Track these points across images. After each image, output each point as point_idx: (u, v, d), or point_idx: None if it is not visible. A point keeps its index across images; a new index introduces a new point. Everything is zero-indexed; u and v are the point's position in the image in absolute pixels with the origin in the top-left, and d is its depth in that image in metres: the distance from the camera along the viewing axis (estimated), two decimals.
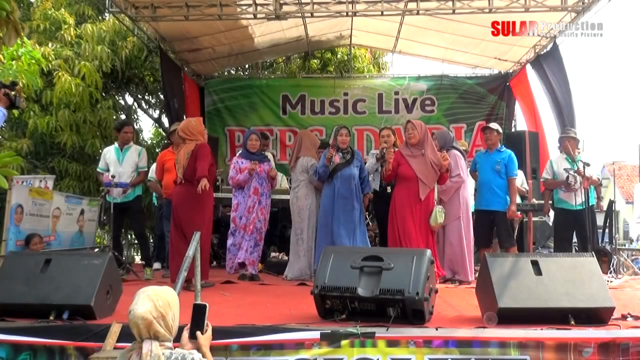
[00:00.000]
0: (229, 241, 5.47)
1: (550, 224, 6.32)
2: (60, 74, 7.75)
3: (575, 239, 6.27)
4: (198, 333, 2.15)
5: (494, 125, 5.91)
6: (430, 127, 9.31)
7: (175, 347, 2.04)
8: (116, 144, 6.22)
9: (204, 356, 2.15)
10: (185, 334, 2.15)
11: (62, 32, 8.44)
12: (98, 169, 6.31)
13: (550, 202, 6.34)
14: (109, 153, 6.17)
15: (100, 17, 9.44)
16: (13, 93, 3.61)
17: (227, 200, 7.13)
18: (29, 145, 7.94)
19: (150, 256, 6.64)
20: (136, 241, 8.02)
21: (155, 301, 1.98)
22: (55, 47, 8.19)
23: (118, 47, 8.63)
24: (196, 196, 4.68)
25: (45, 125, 7.88)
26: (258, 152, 5.67)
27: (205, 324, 2.18)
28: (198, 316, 2.19)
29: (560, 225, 6.19)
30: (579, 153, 6.02)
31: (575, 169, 5.75)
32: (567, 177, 5.81)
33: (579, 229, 5.93)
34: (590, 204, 5.78)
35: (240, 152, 5.85)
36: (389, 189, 5.65)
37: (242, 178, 5.44)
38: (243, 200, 5.46)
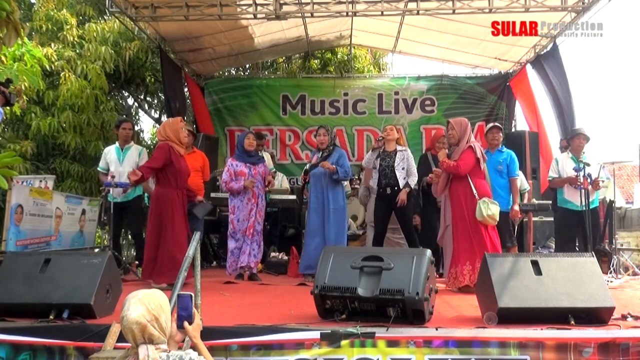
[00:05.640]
0: (231, 244, 5.43)
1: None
2: (66, 75, 7.74)
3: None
4: (186, 324, 2.14)
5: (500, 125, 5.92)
6: (430, 127, 9.46)
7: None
8: (117, 144, 6.22)
9: (196, 347, 2.15)
10: (173, 324, 2.13)
11: (65, 32, 8.43)
12: (99, 169, 6.30)
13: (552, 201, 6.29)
14: (110, 152, 6.16)
15: (100, 18, 9.41)
16: (8, 90, 3.62)
17: (228, 201, 7.14)
18: (32, 147, 7.93)
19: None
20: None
21: (147, 304, 1.96)
22: (57, 48, 8.17)
23: (122, 48, 8.60)
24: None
25: (47, 127, 7.87)
26: (254, 153, 5.64)
27: (192, 314, 2.18)
28: (182, 306, 2.18)
29: (564, 226, 6.05)
30: (584, 153, 5.99)
31: (587, 173, 5.55)
32: (578, 175, 5.55)
33: (584, 230, 5.77)
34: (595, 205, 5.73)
35: (235, 154, 5.73)
36: (388, 190, 5.63)
37: (236, 187, 5.38)
38: (241, 204, 5.42)
